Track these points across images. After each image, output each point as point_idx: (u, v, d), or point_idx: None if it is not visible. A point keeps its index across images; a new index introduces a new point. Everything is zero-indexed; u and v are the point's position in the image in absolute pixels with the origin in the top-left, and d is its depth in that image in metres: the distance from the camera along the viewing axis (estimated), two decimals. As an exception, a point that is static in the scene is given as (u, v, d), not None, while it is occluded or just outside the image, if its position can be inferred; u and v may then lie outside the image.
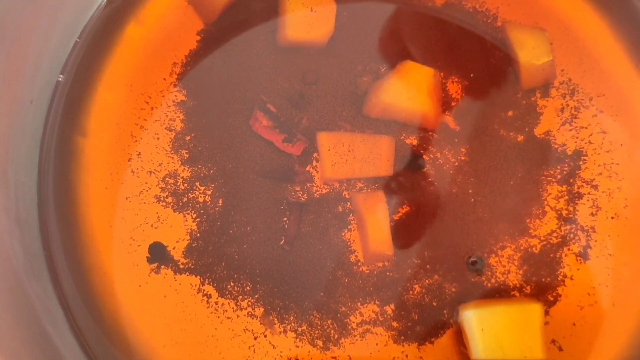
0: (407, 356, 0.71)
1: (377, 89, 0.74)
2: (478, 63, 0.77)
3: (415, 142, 0.75)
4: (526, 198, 0.74)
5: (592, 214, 0.74)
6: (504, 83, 0.77)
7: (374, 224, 0.71)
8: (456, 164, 0.75)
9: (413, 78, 0.74)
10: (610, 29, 0.78)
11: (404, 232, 0.73)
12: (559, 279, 0.72)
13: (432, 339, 0.71)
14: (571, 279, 0.72)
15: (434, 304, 0.71)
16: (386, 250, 0.72)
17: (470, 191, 0.74)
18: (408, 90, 0.73)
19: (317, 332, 0.71)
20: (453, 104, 0.76)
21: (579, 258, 0.73)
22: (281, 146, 0.74)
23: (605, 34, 0.78)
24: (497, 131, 0.75)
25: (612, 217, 0.74)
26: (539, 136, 0.75)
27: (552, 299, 0.72)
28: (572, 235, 0.73)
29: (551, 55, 0.75)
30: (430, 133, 0.75)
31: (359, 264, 0.72)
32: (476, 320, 0.68)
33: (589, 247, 0.73)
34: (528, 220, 0.74)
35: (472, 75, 0.77)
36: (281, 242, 0.73)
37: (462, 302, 0.71)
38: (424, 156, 0.75)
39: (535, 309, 0.68)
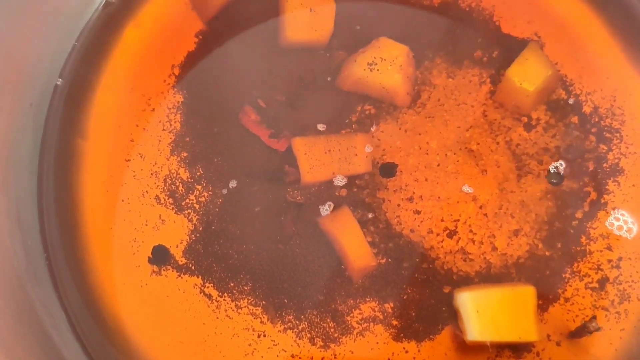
0: (407, 352, 0.71)
1: (351, 62, 0.75)
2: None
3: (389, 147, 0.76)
4: (518, 195, 0.74)
5: (592, 213, 0.74)
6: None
7: (350, 241, 0.72)
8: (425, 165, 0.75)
9: (386, 53, 0.74)
10: (604, 25, 0.78)
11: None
12: (559, 278, 0.72)
13: (431, 336, 0.71)
14: (572, 278, 0.72)
15: (432, 301, 0.72)
16: (370, 262, 0.72)
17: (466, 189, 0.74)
18: (380, 65, 0.74)
19: (316, 330, 0.71)
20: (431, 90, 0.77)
21: (580, 258, 0.73)
22: (267, 141, 0.74)
23: (600, 30, 0.78)
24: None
25: (609, 213, 0.74)
26: (530, 131, 0.76)
27: (551, 297, 0.72)
28: (574, 232, 0.73)
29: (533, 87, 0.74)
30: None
31: (358, 262, 0.73)
32: (472, 302, 0.69)
33: (590, 244, 0.73)
34: (526, 220, 0.74)
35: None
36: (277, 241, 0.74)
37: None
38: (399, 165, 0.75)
39: (528, 292, 0.69)
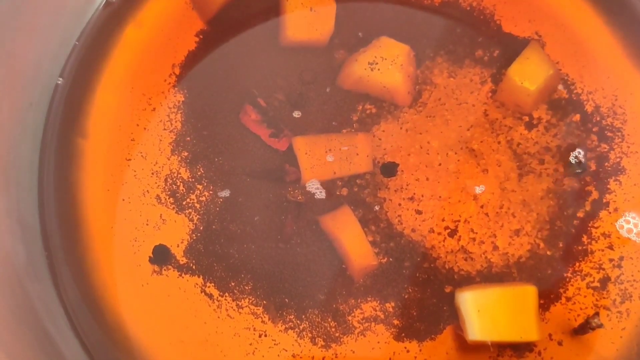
0: (408, 352, 0.71)
1: (352, 62, 0.75)
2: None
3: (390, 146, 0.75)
4: (518, 195, 0.74)
5: (594, 213, 0.74)
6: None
7: (351, 241, 0.72)
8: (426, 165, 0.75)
9: (387, 53, 0.74)
10: (605, 24, 0.78)
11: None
12: (560, 277, 0.72)
13: (433, 335, 0.71)
14: (573, 277, 0.72)
15: (434, 300, 0.72)
16: (371, 261, 0.72)
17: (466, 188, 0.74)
18: (381, 64, 0.74)
19: (317, 330, 0.71)
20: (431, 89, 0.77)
21: (582, 257, 0.73)
22: (268, 141, 0.74)
23: (601, 29, 0.78)
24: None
25: (611, 212, 0.74)
26: (531, 130, 0.76)
27: (553, 296, 0.72)
28: (575, 232, 0.73)
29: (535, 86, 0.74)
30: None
31: (359, 262, 0.73)
32: (472, 302, 0.69)
33: (591, 244, 0.73)
34: (527, 220, 0.74)
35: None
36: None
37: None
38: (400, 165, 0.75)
39: (529, 292, 0.69)
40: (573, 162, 0.73)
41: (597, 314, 0.69)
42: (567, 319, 0.71)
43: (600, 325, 0.68)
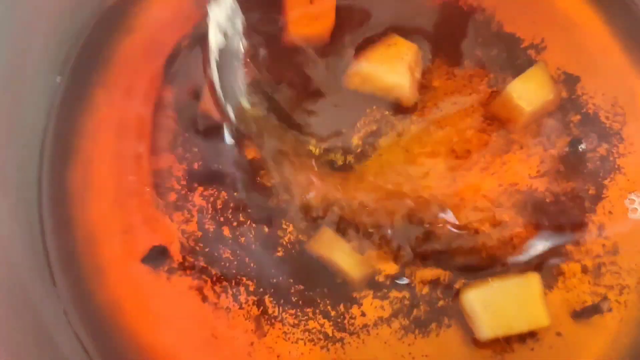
0: (410, 353, 0.71)
1: (359, 59, 0.75)
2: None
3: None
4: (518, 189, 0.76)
5: (590, 208, 0.75)
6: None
7: (341, 257, 0.72)
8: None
9: (395, 51, 0.74)
10: (607, 26, 0.80)
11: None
12: (558, 268, 0.73)
13: (440, 334, 0.71)
14: (571, 268, 0.74)
15: (438, 299, 0.72)
16: (367, 269, 0.72)
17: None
18: (388, 62, 0.74)
19: (319, 331, 0.71)
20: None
21: (580, 248, 0.74)
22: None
23: (602, 31, 0.80)
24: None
25: (610, 212, 0.75)
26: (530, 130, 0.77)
27: (551, 286, 0.73)
28: (574, 227, 0.75)
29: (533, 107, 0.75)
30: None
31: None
32: (478, 299, 0.69)
33: (589, 235, 0.74)
34: (523, 214, 0.75)
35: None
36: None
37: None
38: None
39: (533, 279, 0.69)
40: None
41: (606, 298, 0.71)
42: (565, 309, 0.72)
43: (610, 310, 0.70)
